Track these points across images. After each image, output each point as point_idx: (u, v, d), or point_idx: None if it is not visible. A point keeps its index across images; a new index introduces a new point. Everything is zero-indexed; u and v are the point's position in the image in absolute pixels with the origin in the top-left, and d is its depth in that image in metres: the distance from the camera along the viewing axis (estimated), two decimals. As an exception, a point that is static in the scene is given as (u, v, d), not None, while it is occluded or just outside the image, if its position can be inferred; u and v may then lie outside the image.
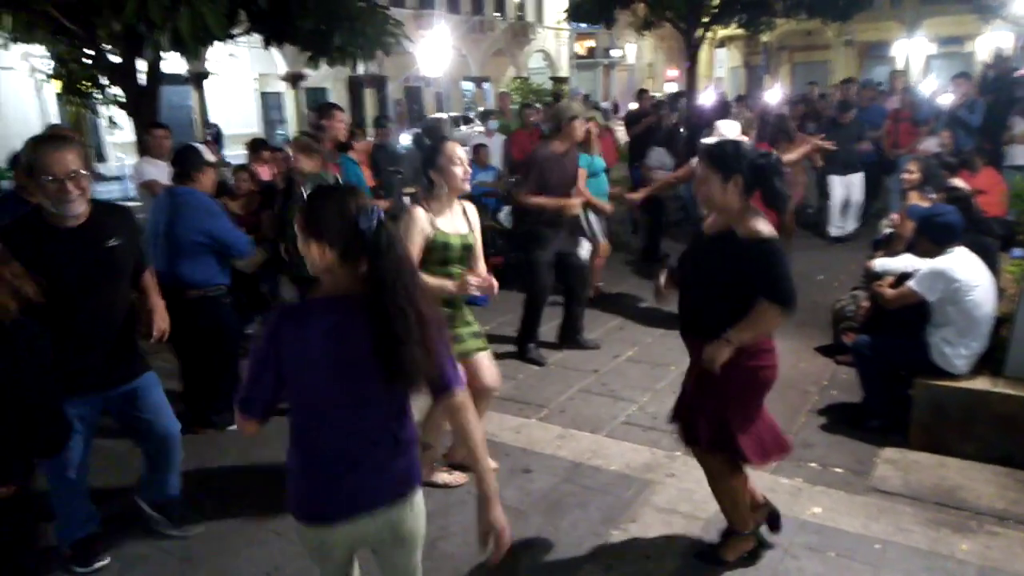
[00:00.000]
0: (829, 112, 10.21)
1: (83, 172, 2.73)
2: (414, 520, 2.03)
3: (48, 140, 2.84)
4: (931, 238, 3.94)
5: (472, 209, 3.55)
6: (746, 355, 2.67)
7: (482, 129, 9.75)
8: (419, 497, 2.04)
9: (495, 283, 3.29)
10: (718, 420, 2.77)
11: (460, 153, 3.37)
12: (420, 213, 3.28)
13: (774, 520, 3.06)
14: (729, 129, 5.45)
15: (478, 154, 7.82)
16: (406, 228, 3.24)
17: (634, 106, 11.53)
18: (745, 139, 6.36)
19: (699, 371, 2.78)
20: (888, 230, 6.06)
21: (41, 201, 2.75)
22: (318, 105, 5.75)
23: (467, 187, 3.41)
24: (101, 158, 20.96)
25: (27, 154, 2.79)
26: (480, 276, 3.29)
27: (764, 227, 2.62)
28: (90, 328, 2.88)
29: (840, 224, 8.74)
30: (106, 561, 3.14)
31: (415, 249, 3.21)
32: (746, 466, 2.88)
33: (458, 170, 3.32)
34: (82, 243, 2.80)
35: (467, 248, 3.39)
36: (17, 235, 2.71)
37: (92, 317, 2.88)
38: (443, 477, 3.71)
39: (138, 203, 7.56)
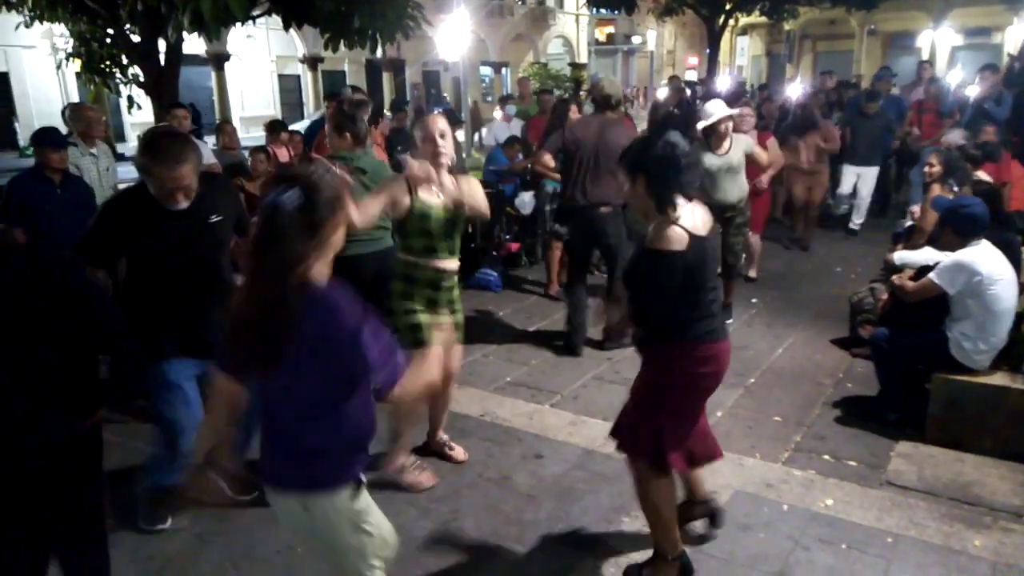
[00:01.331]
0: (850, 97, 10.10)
1: (193, 184, 2.86)
2: (312, 522, 1.98)
3: (163, 155, 2.81)
4: (956, 229, 3.88)
5: (475, 185, 3.50)
6: (674, 356, 2.60)
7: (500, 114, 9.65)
8: (323, 503, 1.96)
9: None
10: (633, 422, 2.72)
11: (440, 127, 3.29)
12: (401, 180, 3.27)
13: (715, 517, 3.03)
14: (716, 109, 5.40)
15: (510, 148, 7.75)
16: (384, 185, 3.29)
17: (664, 93, 11.43)
18: (742, 114, 6.32)
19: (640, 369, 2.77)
20: (908, 223, 6.00)
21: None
22: (352, 98, 5.74)
23: (444, 162, 3.30)
24: (121, 138, 21.10)
25: (141, 159, 2.86)
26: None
27: (666, 237, 2.43)
28: (198, 298, 3.00)
29: (846, 209, 8.60)
30: (167, 524, 3.26)
31: (376, 206, 3.15)
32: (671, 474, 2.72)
33: (428, 146, 3.27)
34: (187, 222, 2.94)
35: (454, 222, 3.34)
36: (130, 211, 2.92)
37: (199, 288, 3.01)
38: (410, 478, 3.52)
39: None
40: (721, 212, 5.10)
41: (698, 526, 3.10)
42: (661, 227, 2.46)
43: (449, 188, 3.34)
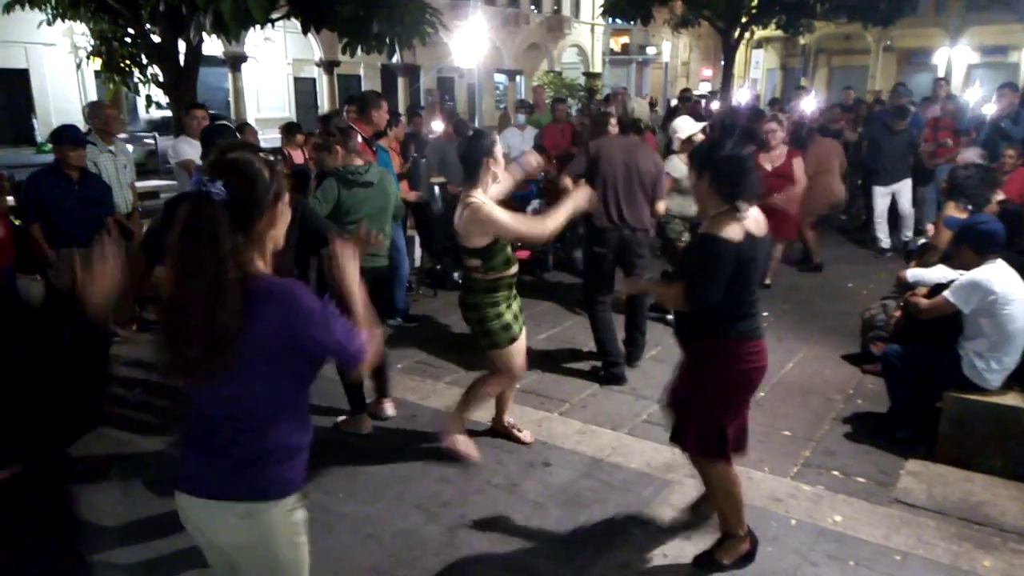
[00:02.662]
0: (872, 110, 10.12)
1: None
2: (250, 535, 1.81)
3: None
4: (972, 246, 3.86)
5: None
6: (724, 353, 2.76)
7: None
8: (270, 511, 1.80)
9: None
10: (697, 425, 2.87)
11: (501, 153, 3.57)
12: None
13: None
14: (686, 126, 5.52)
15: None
16: (487, 212, 3.36)
17: (674, 103, 11.48)
18: (769, 129, 6.40)
19: (684, 368, 2.92)
20: (922, 240, 5.98)
21: None
22: (364, 95, 5.78)
23: (500, 185, 3.63)
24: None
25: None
26: None
27: (724, 226, 2.63)
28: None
29: (884, 235, 8.45)
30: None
31: (509, 214, 3.44)
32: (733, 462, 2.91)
33: (498, 169, 3.54)
34: None
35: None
36: None
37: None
38: (465, 448, 3.81)
39: (173, 182, 7.69)
40: (696, 226, 5.16)
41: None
42: (720, 217, 2.67)
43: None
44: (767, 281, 6.88)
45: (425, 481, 3.63)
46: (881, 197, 8.34)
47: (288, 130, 7.73)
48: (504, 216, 3.38)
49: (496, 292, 3.56)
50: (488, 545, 3.15)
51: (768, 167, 6.51)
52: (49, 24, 8.87)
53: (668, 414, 3.07)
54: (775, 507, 3.42)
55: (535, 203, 7.39)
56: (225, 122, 4.63)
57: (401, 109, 13.68)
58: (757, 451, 3.96)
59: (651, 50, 36.81)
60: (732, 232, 2.62)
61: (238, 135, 4.36)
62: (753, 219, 2.71)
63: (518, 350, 3.68)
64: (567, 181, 5.14)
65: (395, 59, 11.02)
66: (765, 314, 6.25)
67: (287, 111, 25.50)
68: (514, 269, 3.61)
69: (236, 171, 1.68)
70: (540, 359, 5.28)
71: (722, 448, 2.84)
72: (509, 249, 3.58)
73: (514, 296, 3.71)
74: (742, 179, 2.67)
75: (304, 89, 27.63)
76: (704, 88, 30.13)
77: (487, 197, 3.47)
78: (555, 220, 3.43)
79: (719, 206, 2.69)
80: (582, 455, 3.92)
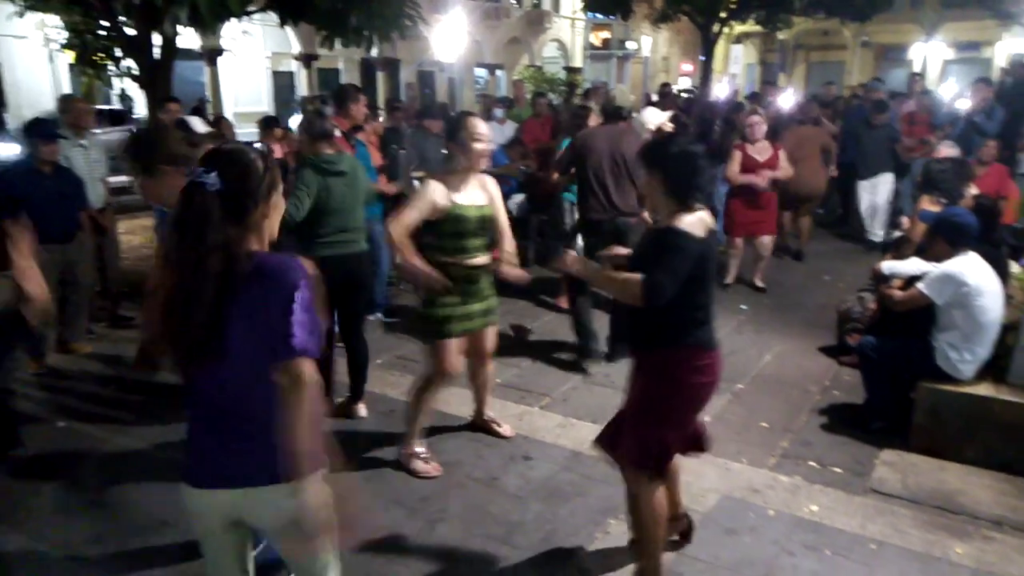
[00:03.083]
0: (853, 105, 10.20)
1: None
2: (283, 514, 1.79)
3: None
4: (946, 238, 3.91)
5: (492, 183, 3.63)
6: (677, 364, 2.57)
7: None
8: (312, 484, 1.76)
9: (523, 273, 3.61)
10: (637, 435, 2.67)
11: (482, 129, 3.44)
12: (434, 185, 3.36)
13: (686, 534, 3.03)
14: (652, 116, 5.55)
15: (512, 149, 7.75)
16: (418, 195, 3.37)
17: (655, 99, 11.48)
18: (752, 122, 6.45)
19: (634, 380, 2.72)
20: (897, 233, 6.05)
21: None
22: (341, 88, 5.75)
23: (484, 164, 3.50)
24: (112, 130, 20.98)
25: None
26: (510, 271, 3.56)
27: (685, 222, 2.48)
28: None
29: (871, 228, 8.51)
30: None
31: (413, 216, 3.31)
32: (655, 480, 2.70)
33: (478, 146, 3.39)
34: None
35: (484, 220, 3.48)
36: None
37: None
38: (418, 465, 3.65)
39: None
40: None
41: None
42: (677, 213, 2.52)
43: (485, 187, 3.54)
44: (759, 283, 6.87)
45: (404, 476, 3.62)
46: (865, 192, 8.36)
47: (266, 124, 7.64)
48: (410, 207, 3.32)
49: (449, 280, 3.42)
50: (467, 540, 3.15)
51: (758, 158, 6.57)
52: (20, 16, 8.70)
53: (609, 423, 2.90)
54: (753, 498, 3.45)
55: (517, 198, 7.36)
56: (193, 117, 4.57)
57: (381, 103, 13.63)
58: (736, 442, 4.00)
59: (631, 45, 36.84)
60: (695, 228, 2.49)
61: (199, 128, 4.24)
62: (701, 220, 2.55)
63: (451, 349, 3.53)
64: (556, 177, 5.15)
65: (374, 53, 10.92)
66: (743, 307, 6.36)
67: (265, 105, 25.20)
68: (471, 260, 3.46)
69: (230, 162, 1.72)
70: (521, 353, 5.28)
71: (659, 465, 2.67)
72: (472, 240, 3.46)
73: (479, 295, 3.57)
74: (695, 179, 2.53)
75: (282, 83, 27.31)
76: (684, 83, 30.23)
77: (462, 187, 3.41)
78: (410, 214, 3.32)
79: (670, 207, 2.55)
80: (563, 448, 3.92)
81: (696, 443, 2.84)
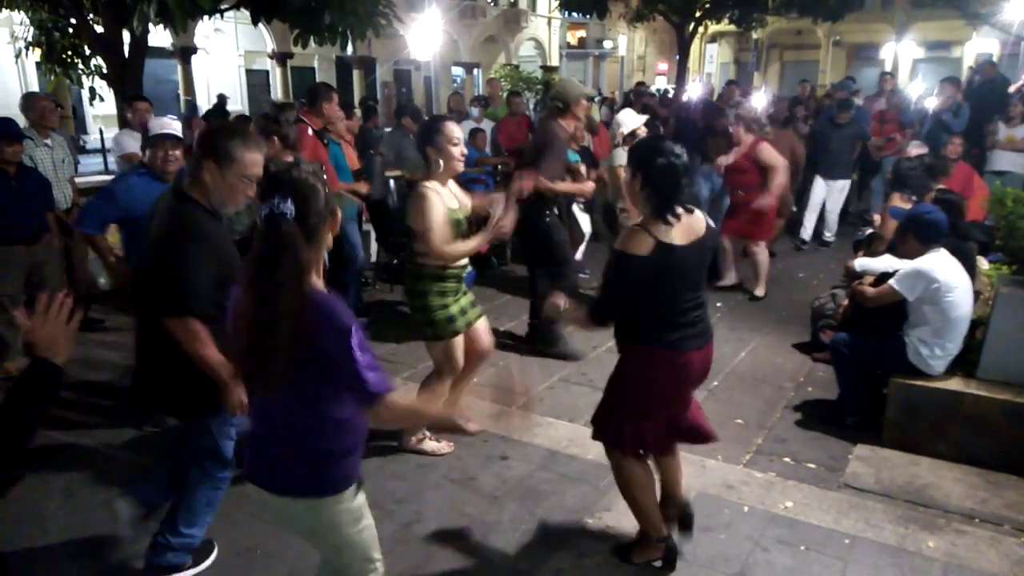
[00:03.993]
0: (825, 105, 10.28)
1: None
2: (316, 523, 1.99)
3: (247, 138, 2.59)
4: (917, 235, 3.96)
5: (457, 188, 3.65)
6: (642, 361, 2.71)
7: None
8: (331, 504, 1.94)
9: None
10: (604, 414, 2.86)
11: (458, 133, 3.46)
12: (432, 195, 3.36)
13: (685, 522, 3.02)
14: (629, 119, 5.59)
15: (475, 139, 7.75)
16: (428, 207, 3.31)
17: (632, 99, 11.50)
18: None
19: (617, 365, 2.85)
20: (869, 231, 6.12)
21: (210, 197, 2.57)
22: (314, 87, 5.68)
23: (461, 167, 3.50)
24: (82, 130, 20.63)
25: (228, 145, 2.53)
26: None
27: (631, 240, 2.53)
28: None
29: (810, 225, 8.43)
30: None
31: (443, 229, 3.35)
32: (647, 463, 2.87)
33: (455, 150, 3.41)
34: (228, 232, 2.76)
35: (464, 222, 3.53)
36: (214, 228, 2.59)
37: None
38: (431, 445, 3.83)
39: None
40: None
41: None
42: (631, 231, 2.59)
43: (460, 192, 3.61)
44: (759, 293, 6.61)
45: (379, 478, 3.58)
46: (819, 188, 8.30)
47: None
48: (433, 221, 3.32)
49: (443, 281, 3.50)
50: (444, 541, 3.13)
51: (733, 158, 6.47)
52: (-16, 13, 8.51)
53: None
54: (728, 494, 3.47)
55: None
56: (172, 116, 4.47)
57: (356, 102, 13.53)
58: (711, 440, 4.01)
59: (608, 44, 36.97)
60: (638, 247, 2.51)
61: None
62: (680, 227, 2.56)
63: (460, 345, 3.63)
64: (554, 185, 5.06)
65: (349, 51, 10.80)
66: (718, 304, 6.39)
67: (239, 104, 24.92)
68: (463, 263, 3.58)
69: (300, 188, 1.74)
70: (498, 352, 5.25)
71: (623, 447, 2.79)
72: (459, 241, 3.52)
73: (463, 292, 3.66)
74: (674, 192, 2.55)
75: (257, 82, 27.03)
76: (661, 82, 30.39)
77: (443, 190, 3.44)
78: (468, 247, 3.47)
79: (646, 210, 2.59)
80: (539, 447, 3.92)
81: (692, 434, 2.93)
